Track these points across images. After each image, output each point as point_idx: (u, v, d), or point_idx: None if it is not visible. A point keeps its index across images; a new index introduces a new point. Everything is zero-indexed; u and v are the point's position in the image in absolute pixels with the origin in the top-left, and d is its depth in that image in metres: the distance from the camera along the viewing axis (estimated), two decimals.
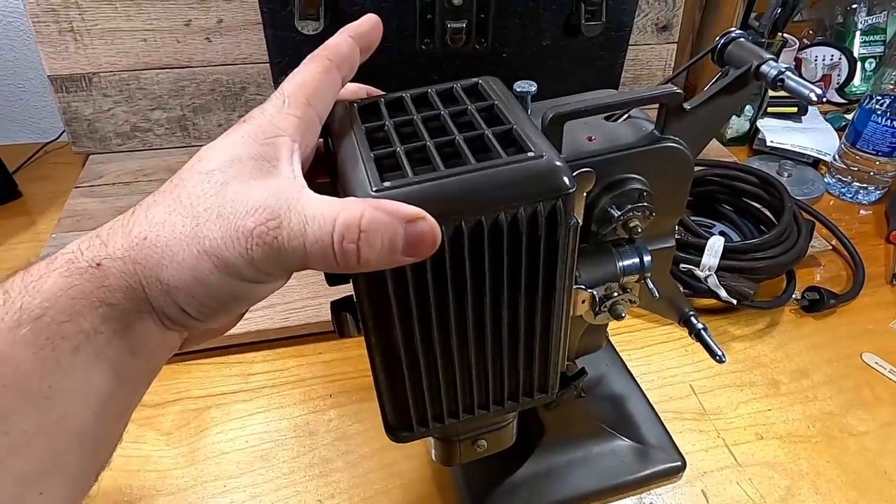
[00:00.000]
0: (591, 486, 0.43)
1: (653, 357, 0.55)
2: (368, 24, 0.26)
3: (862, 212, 0.74)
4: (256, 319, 0.54)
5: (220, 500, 0.44)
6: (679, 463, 0.45)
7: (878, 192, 0.75)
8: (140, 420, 0.49)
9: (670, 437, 0.46)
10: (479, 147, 0.25)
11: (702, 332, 0.39)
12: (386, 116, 0.26)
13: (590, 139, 0.30)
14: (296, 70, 0.24)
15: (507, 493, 0.42)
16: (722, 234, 0.65)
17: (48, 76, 0.70)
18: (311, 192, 0.21)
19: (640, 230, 0.31)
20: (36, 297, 0.19)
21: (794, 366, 0.55)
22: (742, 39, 0.32)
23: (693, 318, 0.39)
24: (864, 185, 0.74)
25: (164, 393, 0.51)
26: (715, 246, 0.55)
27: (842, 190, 0.76)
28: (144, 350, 0.22)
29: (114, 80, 0.71)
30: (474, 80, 0.29)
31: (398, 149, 0.24)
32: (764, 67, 0.30)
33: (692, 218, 0.66)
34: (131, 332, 0.21)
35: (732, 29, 0.33)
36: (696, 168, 0.66)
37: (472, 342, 0.27)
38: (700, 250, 0.56)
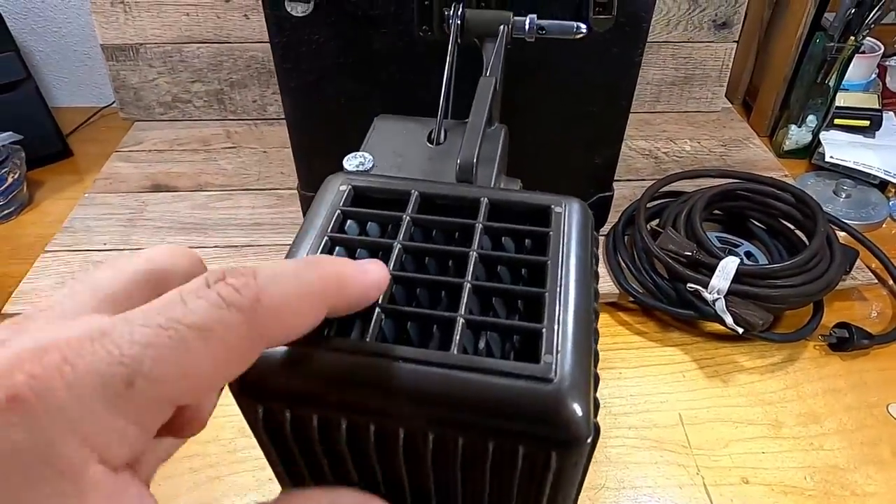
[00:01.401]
0: None
1: (646, 378, 0.52)
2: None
3: None
4: None
5: (180, 464, 0.46)
6: None
7: None
8: None
9: None
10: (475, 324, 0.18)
11: None
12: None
13: None
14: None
15: None
16: (748, 254, 0.59)
17: (101, 45, 0.74)
18: None
19: None
20: None
21: (804, 408, 0.50)
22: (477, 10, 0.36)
23: None
24: None
25: None
26: (727, 267, 0.50)
27: None
28: None
29: (158, 51, 0.75)
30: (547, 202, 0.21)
31: None
32: (518, 23, 0.34)
33: (717, 234, 0.61)
34: None
35: None
36: (726, 180, 0.60)
37: None
38: (713, 270, 0.51)
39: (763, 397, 0.50)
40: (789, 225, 0.58)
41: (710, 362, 0.53)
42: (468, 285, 0.18)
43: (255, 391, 0.18)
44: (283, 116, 0.80)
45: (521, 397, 0.16)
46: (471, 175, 0.24)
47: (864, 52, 0.75)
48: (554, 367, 0.16)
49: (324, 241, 0.19)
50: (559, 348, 0.17)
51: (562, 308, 0.17)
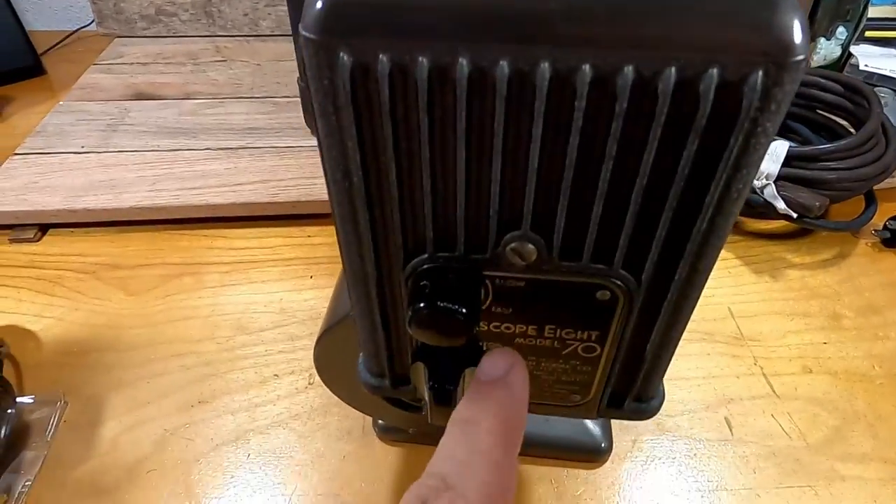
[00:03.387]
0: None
1: None
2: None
3: None
4: (245, 192, 0.50)
5: (168, 363, 0.40)
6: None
7: None
8: (110, 279, 0.46)
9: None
10: None
11: None
12: None
13: None
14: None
15: None
16: None
17: None
18: None
19: None
20: None
21: (862, 301, 0.45)
22: None
23: None
24: None
25: (140, 257, 0.48)
26: (777, 151, 0.46)
27: None
28: None
29: None
30: None
31: None
32: None
33: None
34: None
35: None
36: None
37: None
38: None
39: (817, 290, 0.46)
40: (833, 117, 0.54)
41: (756, 259, 0.48)
42: None
43: (342, 25, 0.13)
44: (276, 32, 0.75)
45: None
46: None
47: None
48: None
49: None
50: None
51: None
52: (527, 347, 0.20)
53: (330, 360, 0.29)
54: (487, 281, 0.18)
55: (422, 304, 0.17)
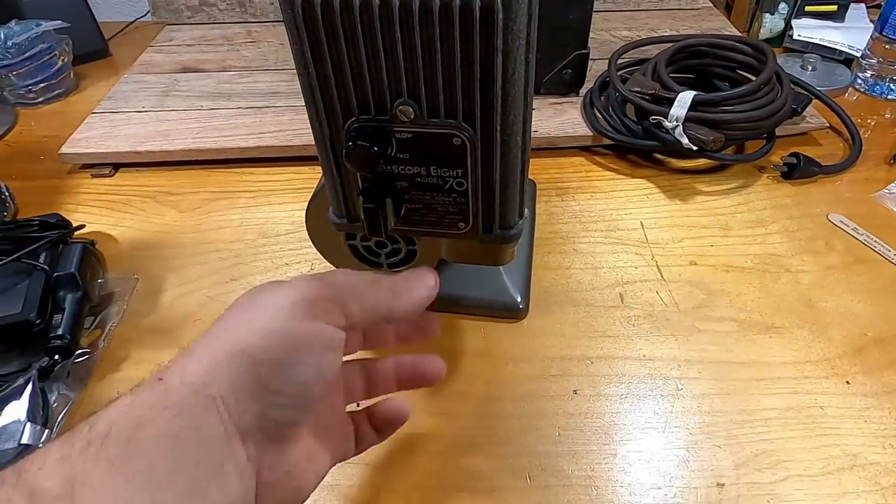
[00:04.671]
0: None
1: (614, 200, 0.59)
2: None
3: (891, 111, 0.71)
4: (267, 139, 0.64)
5: (209, 256, 0.54)
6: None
7: None
8: (166, 202, 0.61)
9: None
10: None
11: None
12: None
13: None
14: None
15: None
16: None
17: None
18: None
19: None
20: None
21: (752, 217, 0.56)
22: None
23: None
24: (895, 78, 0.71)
25: (188, 187, 0.62)
26: (684, 98, 0.57)
27: (873, 86, 0.73)
28: None
29: None
30: None
31: None
32: None
33: None
34: None
35: None
36: (693, 39, 0.67)
37: None
38: (672, 104, 0.58)
39: (716, 210, 0.57)
40: (748, 76, 0.64)
41: (673, 188, 0.60)
42: None
43: None
44: None
45: None
46: None
47: None
48: None
49: None
50: None
51: None
52: (424, 185, 0.33)
53: (314, 222, 0.42)
54: (392, 137, 0.31)
55: (350, 144, 0.30)
